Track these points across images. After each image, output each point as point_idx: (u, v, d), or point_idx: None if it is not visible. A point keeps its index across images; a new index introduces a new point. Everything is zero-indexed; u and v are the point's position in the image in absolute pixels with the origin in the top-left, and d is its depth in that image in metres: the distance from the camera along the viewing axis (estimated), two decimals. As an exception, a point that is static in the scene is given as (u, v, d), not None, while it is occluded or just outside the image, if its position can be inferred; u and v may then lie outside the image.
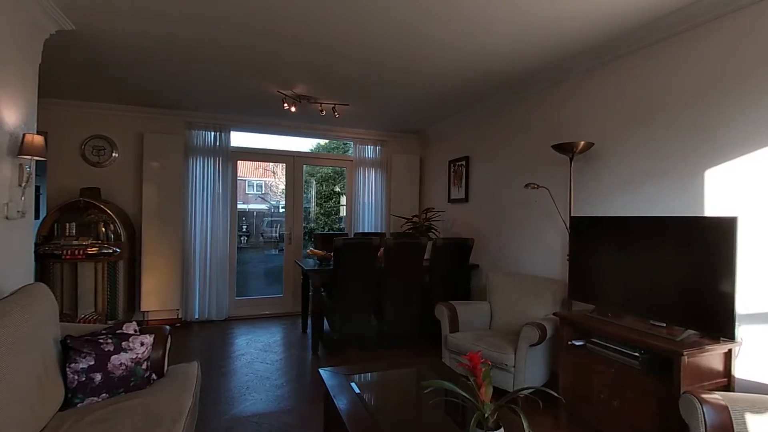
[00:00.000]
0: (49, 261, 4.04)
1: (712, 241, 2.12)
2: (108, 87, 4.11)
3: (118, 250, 4.29)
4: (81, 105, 4.62)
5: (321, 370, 2.31)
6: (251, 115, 5.09)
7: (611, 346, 2.46)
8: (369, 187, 5.82)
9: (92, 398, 1.99)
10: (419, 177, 6.05)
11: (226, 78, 3.75)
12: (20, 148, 2.22)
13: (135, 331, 2.25)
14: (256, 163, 10.74)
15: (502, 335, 3.22)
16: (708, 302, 2.12)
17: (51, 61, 3.33)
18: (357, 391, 2.07)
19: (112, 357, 2.05)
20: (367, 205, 5.80)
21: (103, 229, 4.32)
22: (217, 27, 2.76)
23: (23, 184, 2.32)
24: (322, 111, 4.29)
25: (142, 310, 4.78)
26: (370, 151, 5.84)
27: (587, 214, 3.17)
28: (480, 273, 4.57)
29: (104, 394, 2.02)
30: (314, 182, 8.85)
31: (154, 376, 2.25)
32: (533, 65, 3.33)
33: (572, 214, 3.12)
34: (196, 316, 5.06)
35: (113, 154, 4.80)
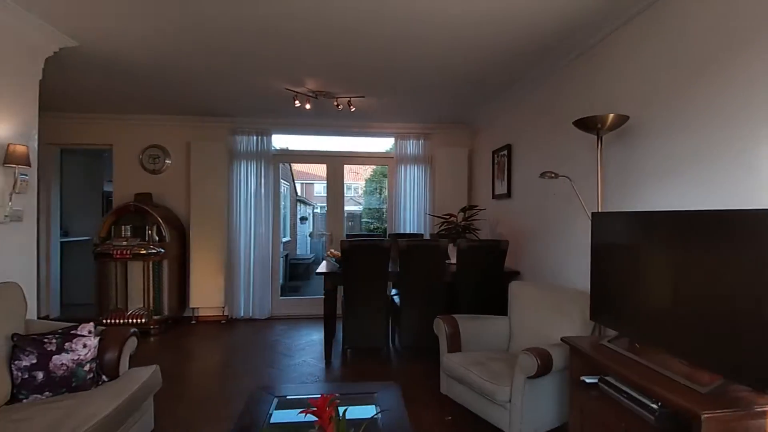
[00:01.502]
0: (103, 259, 4.53)
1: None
2: (155, 99, 4.45)
3: (162, 250, 4.63)
4: (138, 118, 5.11)
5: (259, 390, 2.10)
6: (289, 116, 5.11)
7: (626, 390, 1.79)
8: (411, 184, 5.44)
9: (36, 395, 2.05)
10: (468, 172, 5.48)
11: (249, 83, 3.83)
12: (5, 157, 2.43)
13: (90, 332, 2.29)
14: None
15: (513, 361, 2.63)
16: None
17: (94, 79, 3.72)
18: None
19: (54, 357, 2.10)
20: (408, 204, 5.43)
21: (149, 231, 4.70)
22: (226, 37, 2.87)
23: (16, 191, 2.54)
24: (338, 106, 4.09)
25: (191, 306, 5.11)
26: (412, 146, 5.46)
27: (620, 208, 2.43)
28: (520, 280, 3.90)
29: (47, 393, 2.07)
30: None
31: (104, 377, 2.27)
32: (559, 24, 2.67)
33: (601, 209, 2.41)
34: (241, 314, 5.25)
35: (166, 162, 5.23)
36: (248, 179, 5.27)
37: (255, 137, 5.27)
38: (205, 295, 5.11)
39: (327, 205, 5.62)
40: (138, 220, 4.77)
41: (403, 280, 3.68)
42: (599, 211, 2.39)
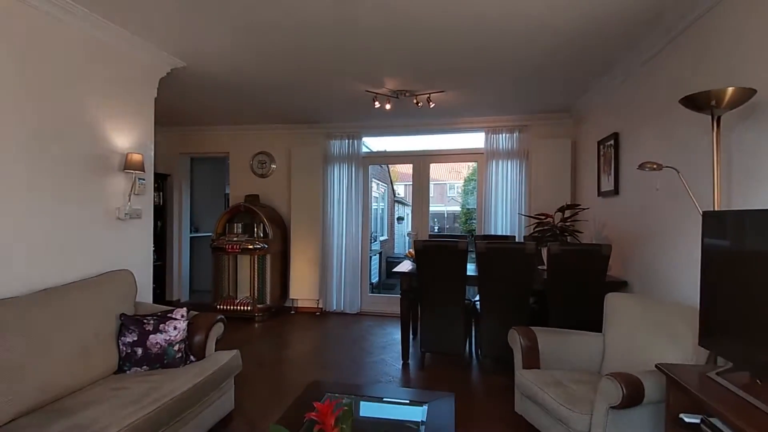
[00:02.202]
0: (218, 253, 5.15)
1: None
2: (259, 111, 4.92)
3: (266, 245, 5.08)
4: (248, 128, 5.71)
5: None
6: (375, 119, 5.20)
7: (736, 441, 1.38)
8: (503, 182, 5.07)
9: (136, 368, 2.40)
10: (571, 167, 4.90)
11: (335, 90, 4.02)
12: (125, 164, 2.90)
13: (182, 316, 2.59)
14: (440, 164, 11.06)
15: (601, 383, 2.25)
16: None
17: (204, 96, 4.26)
18: None
19: (150, 336, 2.43)
20: (500, 203, 5.08)
21: (256, 229, 5.20)
22: (306, 49, 3.06)
23: (135, 193, 3.02)
24: (418, 104, 4.00)
25: (290, 297, 5.53)
26: (504, 140, 5.09)
27: (745, 206, 1.90)
28: (629, 292, 3.35)
29: (145, 366, 2.41)
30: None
31: (192, 357, 2.55)
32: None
33: (718, 207, 1.92)
34: (334, 307, 5.50)
35: (272, 166, 5.73)
36: (340, 181, 5.50)
37: (347, 141, 5.47)
38: (303, 288, 5.47)
39: (412, 205, 5.57)
40: (248, 218, 5.32)
41: (482, 285, 3.44)
42: (714, 209, 1.90)
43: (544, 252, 3.63)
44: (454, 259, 3.39)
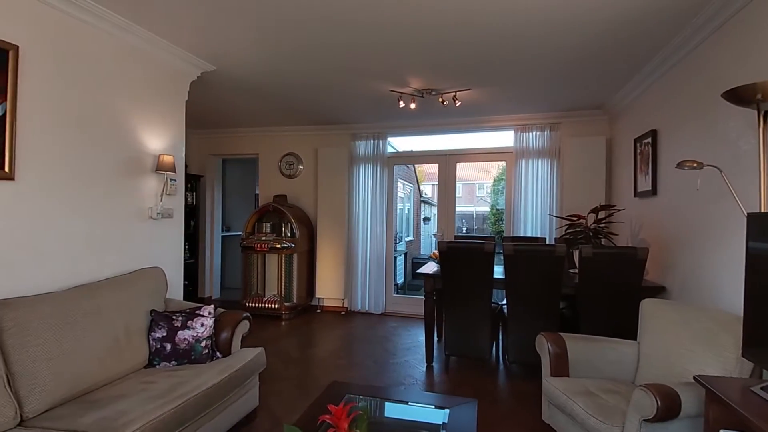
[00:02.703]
0: (247, 252, 5.26)
1: None
2: (286, 112, 5.00)
3: (293, 245, 5.16)
4: (277, 130, 5.81)
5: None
6: (400, 119, 5.17)
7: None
8: (533, 182, 4.93)
9: (165, 363, 2.48)
10: (606, 165, 4.71)
11: (360, 91, 4.04)
12: (156, 165, 3.00)
13: (209, 314, 2.65)
14: (469, 164, 10.97)
15: (635, 394, 2.14)
16: None
17: (233, 98, 4.36)
18: None
19: (179, 332, 2.50)
20: (530, 203, 4.94)
21: (283, 228, 5.28)
22: (330, 47, 3.07)
23: (167, 194, 3.12)
24: (443, 102, 3.94)
25: (317, 296, 5.58)
26: (535, 139, 4.95)
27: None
28: (667, 298, 3.17)
29: (173, 362, 2.48)
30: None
31: (218, 354, 2.61)
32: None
33: (764, 208, 1.78)
34: (359, 307, 5.52)
35: (299, 167, 5.81)
36: (365, 181, 5.50)
37: (372, 141, 5.47)
38: (328, 287, 5.52)
39: (438, 206, 5.50)
40: (275, 218, 5.42)
41: (509, 289, 3.35)
42: (761, 210, 1.76)
43: (576, 255, 3.51)
44: (479, 261, 3.32)
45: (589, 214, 3.99)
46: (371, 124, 5.45)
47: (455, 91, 3.88)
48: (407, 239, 10.37)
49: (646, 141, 3.66)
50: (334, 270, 5.49)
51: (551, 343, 2.48)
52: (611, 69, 3.52)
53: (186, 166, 5.07)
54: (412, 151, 5.83)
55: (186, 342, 2.49)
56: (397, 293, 5.71)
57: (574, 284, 3.30)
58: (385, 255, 5.50)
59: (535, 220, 4.92)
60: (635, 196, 3.92)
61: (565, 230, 4.08)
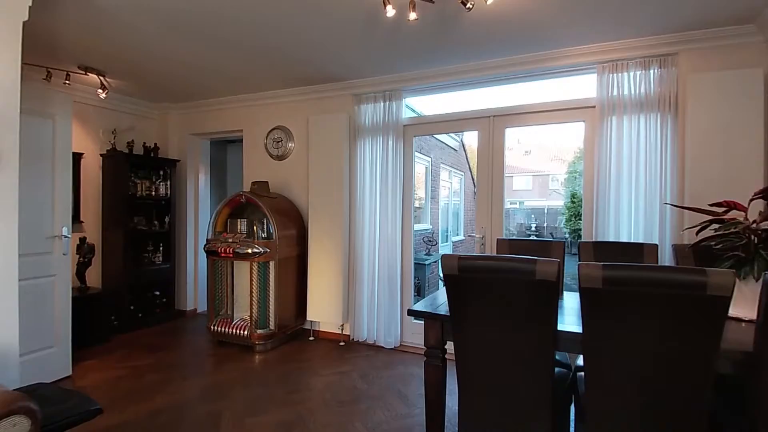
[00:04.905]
0: (212, 257, 3.94)
1: None
2: (268, 71, 3.59)
3: (266, 249, 3.73)
4: (263, 97, 4.43)
5: None
6: (419, 64, 3.51)
7: None
8: (629, 151, 3.01)
9: None
10: (765, 117, 2.68)
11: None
12: None
13: None
14: (524, 129, 8.99)
15: None
16: None
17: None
18: None
19: None
20: (624, 185, 3.03)
21: (255, 227, 3.88)
22: None
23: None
24: (465, 4, 2.22)
25: (308, 318, 4.12)
26: (633, 81, 3.02)
27: None
28: None
29: None
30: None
31: None
32: None
33: None
34: (364, 336, 3.98)
35: (289, 145, 4.39)
36: (373, 160, 3.93)
37: (381, 104, 3.87)
38: (322, 308, 4.03)
39: (477, 192, 3.74)
40: (259, 213, 4.02)
41: (589, 349, 1.58)
42: None
43: (746, 286, 1.66)
44: (520, 299, 1.60)
45: (750, 202, 2.06)
46: (379, 78, 3.84)
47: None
48: (455, 239, 8.59)
49: None
50: (331, 284, 3.99)
51: None
52: None
53: (155, 148, 3.96)
54: (444, 115, 3.95)
55: None
56: (419, 319, 4.07)
57: (741, 351, 1.48)
58: (401, 266, 3.88)
59: (636, 212, 3.01)
60: None
61: (697, 232, 2.18)
